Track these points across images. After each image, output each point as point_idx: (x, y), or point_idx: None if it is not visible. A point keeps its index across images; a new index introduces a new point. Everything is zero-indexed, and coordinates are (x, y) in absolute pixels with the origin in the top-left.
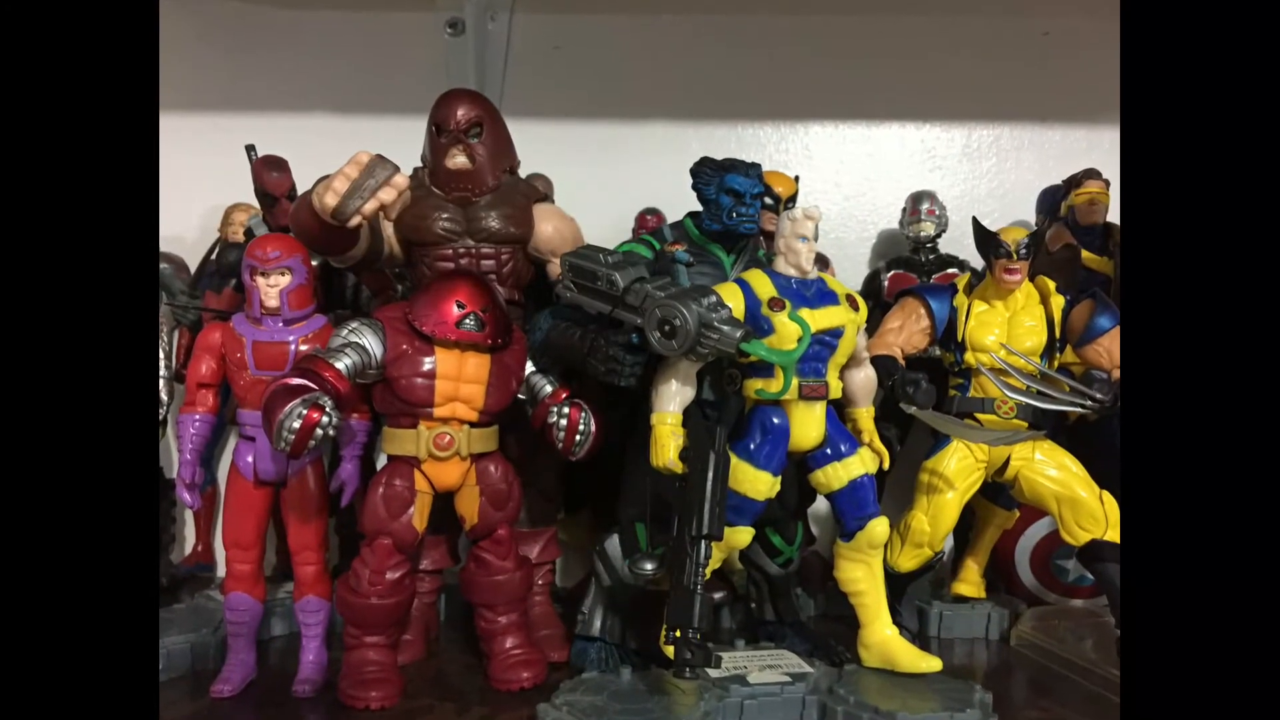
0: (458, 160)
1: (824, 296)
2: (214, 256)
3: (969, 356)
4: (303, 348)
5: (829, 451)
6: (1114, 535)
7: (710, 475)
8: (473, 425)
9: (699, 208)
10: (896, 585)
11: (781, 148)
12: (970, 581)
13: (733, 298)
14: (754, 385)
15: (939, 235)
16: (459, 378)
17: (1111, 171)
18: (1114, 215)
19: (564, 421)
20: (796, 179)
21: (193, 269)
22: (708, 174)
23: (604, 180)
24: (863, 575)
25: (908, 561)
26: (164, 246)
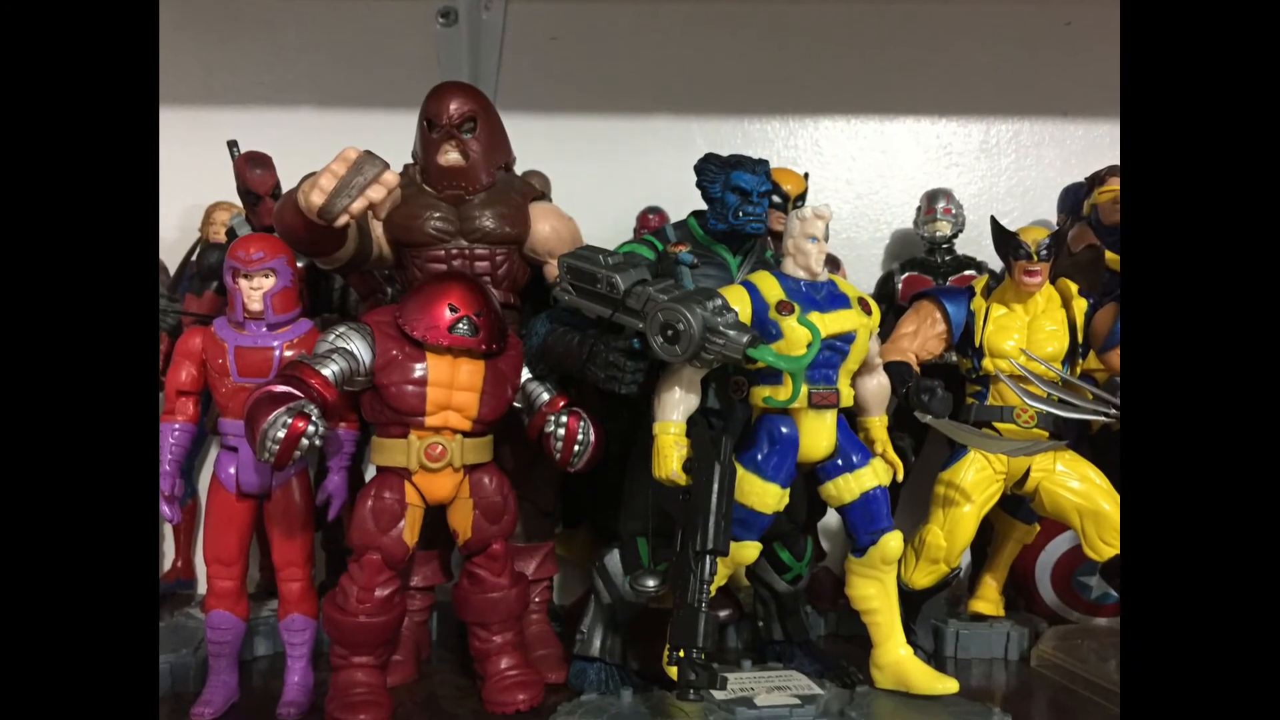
0: (450, 156)
1: (835, 299)
2: (194, 258)
3: (987, 363)
4: (287, 353)
5: (840, 462)
6: None
7: (715, 487)
8: (466, 435)
9: (703, 206)
10: (911, 603)
11: (790, 143)
12: (988, 599)
13: (739, 301)
14: (761, 393)
15: (955, 235)
16: (451, 385)
17: None
18: None
19: (562, 431)
20: (806, 176)
21: (172, 271)
22: (713, 171)
23: (604, 177)
24: (875, 592)
25: (923, 578)
26: None
